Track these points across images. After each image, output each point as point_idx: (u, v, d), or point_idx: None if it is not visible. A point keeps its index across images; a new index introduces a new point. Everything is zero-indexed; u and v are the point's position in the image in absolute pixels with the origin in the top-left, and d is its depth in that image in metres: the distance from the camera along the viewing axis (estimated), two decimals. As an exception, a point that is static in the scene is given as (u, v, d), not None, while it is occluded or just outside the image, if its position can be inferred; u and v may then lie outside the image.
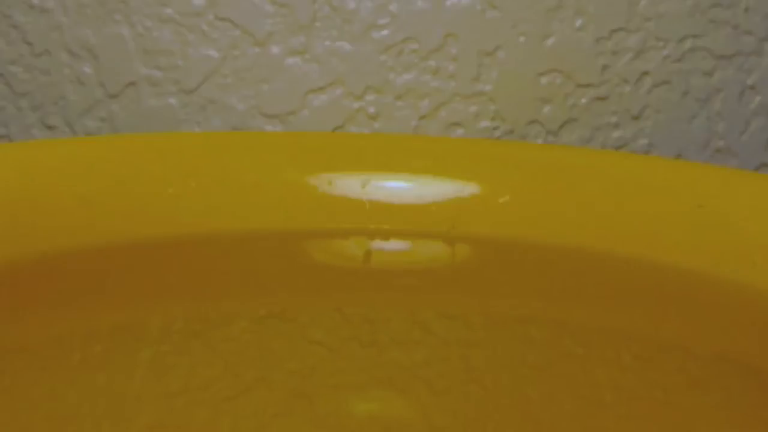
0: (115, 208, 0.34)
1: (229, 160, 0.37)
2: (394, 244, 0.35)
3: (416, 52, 0.44)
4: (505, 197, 0.36)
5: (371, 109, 0.44)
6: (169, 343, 0.27)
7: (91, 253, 0.32)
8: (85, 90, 0.44)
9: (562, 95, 0.44)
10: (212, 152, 0.37)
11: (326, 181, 0.37)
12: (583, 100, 0.44)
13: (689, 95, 0.45)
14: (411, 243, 0.35)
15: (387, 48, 0.44)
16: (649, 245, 0.34)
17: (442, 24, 0.43)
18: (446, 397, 0.25)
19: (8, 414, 0.23)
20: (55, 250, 0.32)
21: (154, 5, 0.43)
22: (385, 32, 0.44)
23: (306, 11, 0.43)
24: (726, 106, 0.45)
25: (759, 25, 0.44)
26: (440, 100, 0.44)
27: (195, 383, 0.25)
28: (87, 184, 0.35)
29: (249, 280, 0.32)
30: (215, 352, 0.27)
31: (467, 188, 0.36)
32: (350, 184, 0.37)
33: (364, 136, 0.43)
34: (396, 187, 0.37)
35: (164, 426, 0.23)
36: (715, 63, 0.45)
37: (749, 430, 0.24)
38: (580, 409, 0.25)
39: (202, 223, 0.35)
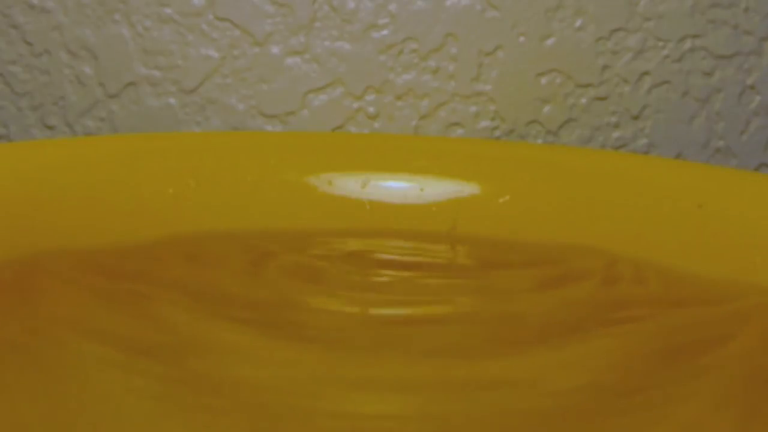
0: (115, 208, 0.34)
1: (229, 160, 0.37)
2: (394, 244, 0.35)
3: (416, 52, 0.44)
4: (505, 197, 0.36)
5: (371, 109, 0.44)
6: (169, 342, 0.27)
7: (91, 253, 0.32)
8: (85, 90, 0.44)
9: (562, 95, 0.44)
10: (212, 152, 0.37)
11: (326, 181, 0.37)
12: (583, 100, 0.44)
13: (689, 95, 0.45)
14: (411, 243, 0.35)
15: (387, 48, 0.44)
16: (649, 245, 0.34)
17: (442, 24, 0.43)
18: (445, 396, 0.25)
19: (8, 413, 0.23)
20: (55, 250, 0.32)
21: (153, 5, 0.43)
22: (385, 32, 0.43)
23: (306, 11, 0.43)
24: (726, 106, 0.45)
25: (759, 25, 0.44)
26: (440, 100, 0.44)
27: (194, 383, 0.25)
28: (87, 184, 0.35)
29: (248, 280, 0.32)
30: (213, 352, 0.27)
31: (467, 188, 0.37)
32: (350, 184, 0.37)
33: (364, 136, 0.43)
34: (396, 187, 0.37)
35: (163, 425, 0.23)
36: (715, 63, 0.45)
37: (749, 430, 0.24)
38: (577, 409, 0.25)
39: (202, 223, 0.35)
